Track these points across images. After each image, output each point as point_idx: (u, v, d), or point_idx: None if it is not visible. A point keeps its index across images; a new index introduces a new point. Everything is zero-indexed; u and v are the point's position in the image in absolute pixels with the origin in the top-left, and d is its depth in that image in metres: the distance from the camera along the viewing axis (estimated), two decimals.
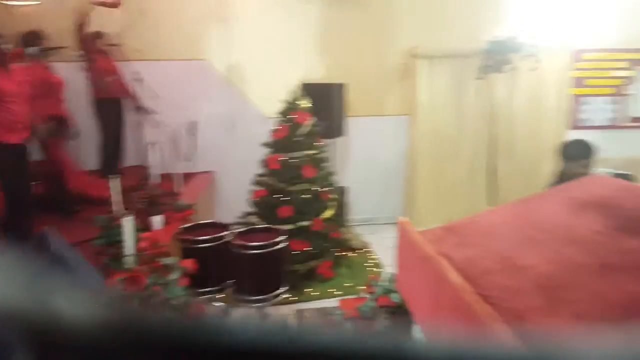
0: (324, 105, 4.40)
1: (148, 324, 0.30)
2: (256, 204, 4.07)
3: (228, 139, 5.10)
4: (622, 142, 5.95)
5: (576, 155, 2.71)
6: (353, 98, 5.07)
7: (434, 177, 5.44)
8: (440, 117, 5.37)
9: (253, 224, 3.75)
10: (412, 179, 5.51)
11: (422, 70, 5.25)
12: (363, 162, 5.45)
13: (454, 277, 1.24)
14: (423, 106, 5.31)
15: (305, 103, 4.14)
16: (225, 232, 3.17)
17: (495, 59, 5.15)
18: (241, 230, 3.35)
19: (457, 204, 5.32)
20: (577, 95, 5.85)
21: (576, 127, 5.92)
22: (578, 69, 5.71)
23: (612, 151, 6.06)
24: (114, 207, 2.71)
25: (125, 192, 2.92)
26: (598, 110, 5.98)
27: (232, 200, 4.69)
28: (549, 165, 3.95)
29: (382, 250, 4.60)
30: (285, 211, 3.86)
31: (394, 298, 2.73)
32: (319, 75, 5.02)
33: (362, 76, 5.25)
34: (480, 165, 5.49)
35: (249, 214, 4.11)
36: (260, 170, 4.15)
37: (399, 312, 2.61)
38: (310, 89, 4.33)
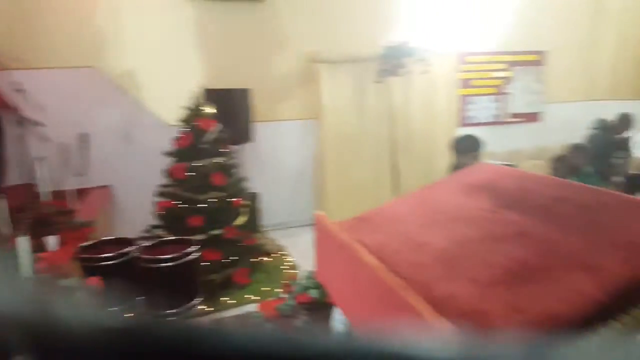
0: (229, 111, 4.41)
1: (144, 329, 0.32)
2: (161, 216, 3.95)
3: (125, 150, 4.86)
4: (505, 137, 6.77)
5: (466, 149, 3.06)
6: (260, 103, 5.14)
7: (342, 177, 5.70)
8: (345, 120, 5.65)
9: (160, 237, 3.63)
10: (321, 181, 5.71)
11: (325, 74, 5.49)
12: (273, 167, 5.54)
13: (369, 258, 1.37)
14: (328, 110, 5.54)
15: (209, 109, 4.12)
16: (131, 248, 3.05)
17: (391, 63, 5.56)
18: (149, 244, 3.24)
19: (364, 201, 5.62)
20: (464, 95, 6.53)
21: (465, 125, 6.60)
22: (464, 71, 6.38)
23: (496, 145, 6.86)
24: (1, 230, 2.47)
25: (12, 213, 2.68)
26: (483, 108, 6.73)
27: (133, 214, 4.49)
28: (444, 160, 4.37)
29: (297, 252, 4.72)
30: (195, 221, 3.79)
31: (312, 294, 2.85)
32: (222, 80, 5.01)
33: (267, 81, 5.34)
34: (383, 164, 5.87)
35: (155, 227, 3.97)
36: (164, 181, 4.03)
37: (317, 307, 2.73)
38: (213, 95, 4.31)
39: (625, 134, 5.42)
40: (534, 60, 6.71)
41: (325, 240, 1.67)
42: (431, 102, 6.05)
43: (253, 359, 0.29)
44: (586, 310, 1.01)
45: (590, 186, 1.52)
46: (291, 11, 5.38)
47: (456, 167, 3.26)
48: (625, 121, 5.38)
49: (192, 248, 3.13)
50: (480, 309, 1.10)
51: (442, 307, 1.13)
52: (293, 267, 4.47)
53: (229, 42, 5.20)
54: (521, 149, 6.79)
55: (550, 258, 1.21)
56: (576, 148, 4.33)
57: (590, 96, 7.02)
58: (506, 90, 6.73)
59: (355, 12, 5.63)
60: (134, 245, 3.11)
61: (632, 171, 5.32)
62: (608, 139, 5.32)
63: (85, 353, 0.31)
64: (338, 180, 5.68)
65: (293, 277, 3.41)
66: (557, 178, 1.79)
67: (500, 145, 6.73)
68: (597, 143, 5.26)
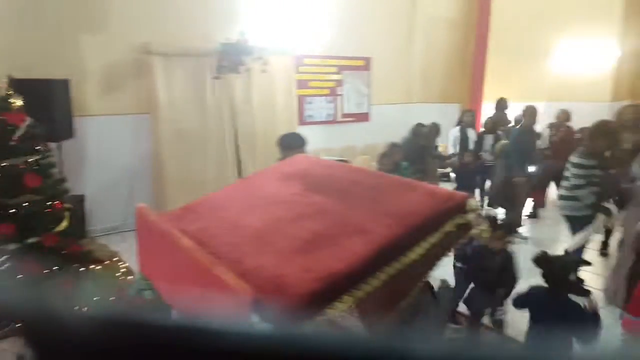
0: (44, 104, 4.05)
1: (143, 326, 0.35)
2: None
3: None
4: (340, 134, 7.49)
5: (290, 145, 3.33)
6: (82, 95, 4.80)
7: (183, 175, 5.65)
8: (184, 115, 5.61)
9: None
10: (159, 179, 5.58)
11: (159, 67, 5.37)
12: (102, 166, 5.21)
13: (187, 242, 1.51)
14: (164, 105, 5.44)
15: (17, 101, 3.73)
16: None
17: (230, 60, 5.71)
18: None
19: None
20: (302, 95, 7.02)
21: (304, 123, 7.11)
22: (301, 72, 6.87)
23: (332, 142, 7.55)
24: None
25: None
26: (319, 108, 7.33)
27: None
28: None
29: (134, 257, 4.54)
30: (4, 228, 3.42)
31: (147, 295, 2.84)
32: (35, 70, 4.54)
33: (91, 72, 5.01)
34: (226, 160, 5.99)
35: None
36: None
37: (155, 308, 2.73)
38: (23, 86, 3.91)
39: (433, 141, 6.38)
40: (361, 65, 7.55)
41: (147, 232, 1.75)
42: (271, 101, 6.36)
43: (247, 357, 0.31)
44: (355, 263, 1.32)
45: (377, 172, 1.90)
46: None
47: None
48: (433, 129, 6.35)
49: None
50: (280, 273, 1.33)
51: (251, 277, 1.33)
52: (128, 273, 4.31)
53: (43, 27, 4.73)
54: (354, 145, 7.57)
55: (338, 228, 1.51)
56: (394, 146, 5.06)
57: (408, 99, 8.18)
58: (339, 92, 7.43)
59: (192, 5, 5.62)
60: None
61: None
62: (420, 143, 6.23)
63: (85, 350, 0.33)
64: (179, 177, 5.62)
65: (128, 282, 3.33)
66: (355, 166, 2.17)
67: (336, 142, 7.44)
68: (411, 146, 6.14)
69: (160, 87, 5.40)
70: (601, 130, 3.39)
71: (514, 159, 5.21)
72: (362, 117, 7.82)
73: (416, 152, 5.95)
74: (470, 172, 6.28)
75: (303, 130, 7.04)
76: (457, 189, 6.57)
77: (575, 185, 3.43)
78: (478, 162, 6.23)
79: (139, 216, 1.78)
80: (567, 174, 3.60)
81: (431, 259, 1.66)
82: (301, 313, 1.21)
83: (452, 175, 7.33)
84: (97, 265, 4.42)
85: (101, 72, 5.13)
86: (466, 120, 6.49)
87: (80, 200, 4.46)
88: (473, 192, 6.21)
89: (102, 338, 0.34)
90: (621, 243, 3.41)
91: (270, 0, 6.25)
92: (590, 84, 8.68)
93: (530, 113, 5.19)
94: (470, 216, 1.57)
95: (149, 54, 5.29)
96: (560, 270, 2.29)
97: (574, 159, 3.53)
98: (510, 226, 3.23)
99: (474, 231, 1.60)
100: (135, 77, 5.36)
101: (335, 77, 7.39)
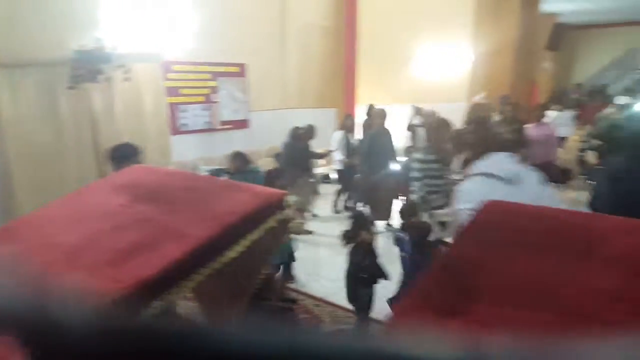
0: None
1: (143, 330, 0.32)
2: None
3: None
4: (219, 143, 7.44)
5: (124, 156, 3.16)
6: None
7: (38, 195, 5.20)
8: (34, 129, 5.18)
9: None
10: (9, 201, 5.08)
11: (1, 80, 4.90)
12: None
13: None
14: (9, 121, 4.97)
15: None
16: None
17: (87, 69, 5.40)
18: None
19: None
20: (175, 103, 6.86)
21: (178, 132, 6.96)
22: (171, 79, 6.71)
23: (211, 150, 7.48)
24: None
25: None
26: (194, 116, 7.22)
27: None
28: (155, 165, 4.54)
29: None
30: None
31: None
32: None
33: None
34: (88, 174, 5.63)
35: None
36: None
37: None
38: None
39: (309, 142, 6.65)
40: (236, 72, 7.59)
41: None
42: (138, 110, 6.13)
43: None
44: (167, 268, 1.37)
45: (211, 177, 1.96)
46: None
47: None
48: (310, 131, 6.63)
49: None
50: (86, 286, 1.32)
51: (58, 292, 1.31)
52: None
53: None
54: None
55: (157, 235, 1.54)
56: (276, 155, 5.20)
57: (286, 105, 8.40)
58: (214, 99, 7.39)
59: (40, 11, 5.21)
60: None
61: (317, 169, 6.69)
62: (297, 146, 6.46)
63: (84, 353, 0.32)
64: (32, 198, 5.15)
65: None
66: (192, 173, 2.21)
67: (215, 151, 7.38)
68: (291, 148, 6.35)
69: (4, 101, 4.93)
70: (440, 127, 3.82)
71: (373, 160, 5.66)
72: (241, 124, 7.86)
73: (296, 153, 6.20)
74: (352, 173, 6.63)
75: (179, 140, 6.93)
76: (342, 189, 6.95)
77: (415, 177, 3.81)
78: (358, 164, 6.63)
79: None
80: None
81: (260, 254, 1.76)
82: (112, 318, 1.21)
83: (333, 176, 7.67)
84: None
85: None
86: (348, 124, 6.89)
87: None
88: (354, 192, 6.60)
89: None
90: None
91: (132, 5, 6.03)
92: (450, 86, 9.66)
93: (379, 115, 5.69)
94: (289, 212, 1.71)
95: None
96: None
97: (416, 155, 3.94)
98: (366, 222, 3.49)
99: (291, 224, 1.74)
100: None
101: (210, 83, 7.34)
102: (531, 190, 1.98)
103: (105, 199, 1.90)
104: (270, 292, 1.94)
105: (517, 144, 2.17)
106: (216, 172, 5.58)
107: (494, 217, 1.22)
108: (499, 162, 2.09)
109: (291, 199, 1.71)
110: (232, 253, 1.54)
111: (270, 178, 4.72)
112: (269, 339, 0.32)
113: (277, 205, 1.70)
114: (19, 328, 0.39)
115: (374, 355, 0.34)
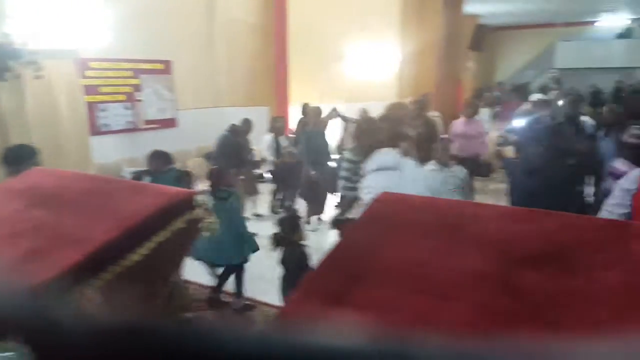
0: None
1: (144, 329, 0.28)
2: None
3: None
4: (143, 143, 7.17)
5: (19, 159, 2.88)
6: None
7: None
8: None
9: None
10: None
11: None
12: None
13: None
14: None
15: None
16: None
17: None
18: None
19: None
20: (93, 102, 6.54)
21: (98, 133, 6.65)
22: (88, 77, 6.39)
23: (136, 151, 7.21)
24: None
25: None
26: (115, 115, 6.92)
27: None
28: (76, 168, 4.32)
29: None
30: None
31: None
32: None
33: None
34: None
35: None
36: None
37: None
38: None
39: (247, 136, 6.62)
40: (160, 69, 7.37)
41: None
42: (52, 110, 5.80)
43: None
44: (62, 271, 1.33)
45: (112, 178, 1.91)
46: None
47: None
48: (247, 125, 6.56)
49: None
50: None
51: None
52: None
53: None
54: None
55: (54, 241, 1.49)
56: (207, 155, 5.10)
57: (216, 103, 8.27)
58: (137, 97, 7.13)
59: None
60: None
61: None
62: (235, 140, 6.39)
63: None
64: None
65: None
66: (92, 175, 2.14)
67: (140, 151, 7.10)
68: (227, 143, 6.26)
69: None
70: (362, 127, 3.95)
71: (311, 157, 5.73)
72: (168, 122, 7.65)
73: (232, 147, 6.13)
74: (286, 172, 6.63)
75: (100, 141, 6.62)
76: (276, 189, 6.94)
77: (345, 177, 3.93)
78: (293, 163, 6.63)
79: None
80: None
81: (169, 256, 1.74)
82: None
83: (267, 175, 7.66)
84: None
85: None
86: (277, 126, 6.84)
87: None
88: (291, 190, 6.63)
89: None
90: None
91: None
92: (380, 85, 9.94)
93: (315, 113, 5.76)
94: (199, 211, 1.71)
95: None
96: None
97: (345, 154, 4.05)
98: (297, 223, 3.51)
99: (202, 224, 1.73)
100: None
101: (132, 81, 7.07)
102: (409, 174, 2.36)
103: (1, 204, 1.80)
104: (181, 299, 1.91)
105: (400, 139, 2.53)
106: (139, 174, 5.39)
107: (384, 207, 1.30)
108: (384, 155, 2.39)
109: (199, 198, 1.71)
110: (136, 256, 1.52)
111: (214, 178, 4.59)
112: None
113: (185, 205, 1.69)
114: None
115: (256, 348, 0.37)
